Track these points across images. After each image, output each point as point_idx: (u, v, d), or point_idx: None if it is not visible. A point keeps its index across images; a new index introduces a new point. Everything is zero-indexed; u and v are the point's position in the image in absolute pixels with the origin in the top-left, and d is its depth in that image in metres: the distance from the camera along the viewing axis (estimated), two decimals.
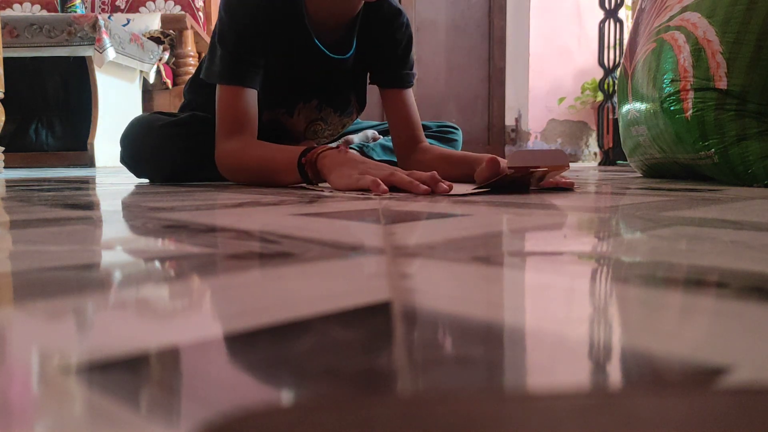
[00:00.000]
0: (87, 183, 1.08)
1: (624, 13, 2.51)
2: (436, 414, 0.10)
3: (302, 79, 1.01)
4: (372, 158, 1.06)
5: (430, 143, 1.08)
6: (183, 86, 2.53)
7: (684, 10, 0.97)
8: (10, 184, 1.04)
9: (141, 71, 2.44)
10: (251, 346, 0.16)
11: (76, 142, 2.36)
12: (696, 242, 0.33)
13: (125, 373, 0.14)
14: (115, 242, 0.38)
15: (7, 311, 0.20)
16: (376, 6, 0.99)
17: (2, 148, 1.75)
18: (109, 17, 2.34)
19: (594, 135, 3.16)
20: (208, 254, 0.30)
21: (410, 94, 1.05)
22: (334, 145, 1.00)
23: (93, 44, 2.04)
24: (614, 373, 0.15)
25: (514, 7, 3.17)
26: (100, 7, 2.86)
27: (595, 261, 0.30)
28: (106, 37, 2.05)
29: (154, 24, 2.56)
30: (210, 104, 1.00)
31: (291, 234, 0.37)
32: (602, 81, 2.44)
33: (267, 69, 0.94)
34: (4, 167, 1.80)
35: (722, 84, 0.87)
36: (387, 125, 1.32)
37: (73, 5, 2.51)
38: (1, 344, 0.17)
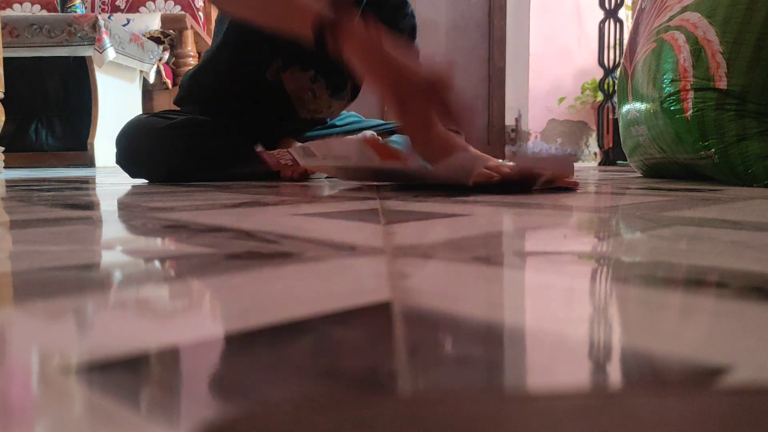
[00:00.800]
0: (87, 183, 1.08)
1: (624, 13, 2.51)
2: (436, 414, 0.10)
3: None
4: None
5: None
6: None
7: (684, 10, 0.97)
8: (10, 184, 1.04)
9: (141, 71, 2.44)
10: (251, 346, 0.16)
11: (76, 142, 2.36)
12: (696, 242, 0.33)
13: (125, 373, 0.14)
14: (115, 242, 0.38)
15: (7, 311, 0.20)
16: None
17: (2, 148, 1.75)
18: (109, 17, 2.34)
19: (594, 135, 3.16)
20: (208, 254, 0.30)
21: None
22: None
23: (93, 44, 2.04)
24: (614, 373, 0.15)
25: (514, 7, 3.17)
26: (100, 7, 2.86)
27: (595, 261, 0.30)
28: (106, 37, 2.05)
29: (154, 24, 2.56)
30: (210, 101, 1.01)
31: (291, 234, 0.37)
32: (602, 81, 2.43)
33: None
34: (4, 167, 1.80)
35: (722, 84, 0.87)
36: (387, 126, 1.32)
37: (73, 5, 2.51)
38: (1, 344, 0.17)
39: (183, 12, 2.73)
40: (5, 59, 1.70)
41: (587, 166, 2.37)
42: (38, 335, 0.18)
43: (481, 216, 0.47)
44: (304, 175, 1.06)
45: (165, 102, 2.59)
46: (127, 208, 0.59)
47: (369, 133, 1.26)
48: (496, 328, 0.18)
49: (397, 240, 0.35)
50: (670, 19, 1.00)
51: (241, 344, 0.17)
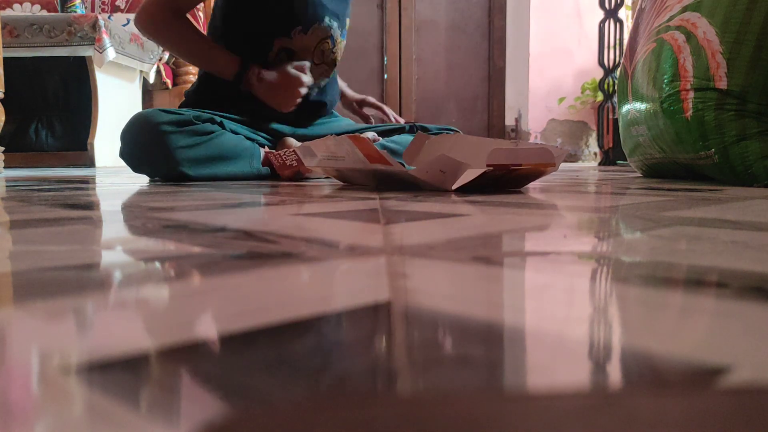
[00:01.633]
0: (87, 183, 1.08)
1: (624, 13, 2.51)
2: (436, 414, 0.10)
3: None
4: None
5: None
6: (183, 86, 2.53)
7: (684, 10, 0.97)
8: (10, 184, 1.04)
9: (141, 71, 2.44)
10: (251, 346, 0.16)
11: (76, 142, 2.36)
12: (696, 242, 0.33)
13: (125, 373, 0.14)
14: (115, 242, 0.38)
15: (7, 311, 0.20)
16: None
17: (2, 148, 1.75)
18: (109, 17, 2.34)
19: (594, 135, 3.17)
20: (208, 254, 0.30)
21: None
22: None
23: (93, 44, 2.04)
24: (614, 373, 0.15)
25: (514, 7, 3.17)
26: (100, 7, 2.86)
27: (595, 261, 0.30)
28: (106, 37, 2.05)
29: None
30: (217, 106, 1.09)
31: (291, 234, 0.37)
32: (602, 81, 2.43)
33: None
34: (4, 167, 1.80)
35: (722, 84, 0.87)
36: (387, 126, 1.33)
37: (73, 5, 2.51)
38: (1, 344, 0.17)
39: None
40: (5, 59, 1.70)
41: (587, 166, 2.37)
42: (38, 335, 0.18)
43: (481, 216, 0.47)
44: (299, 175, 1.07)
45: (165, 102, 2.59)
46: (127, 208, 0.59)
47: (371, 134, 1.26)
48: (496, 328, 0.18)
49: (397, 240, 0.35)
50: (670, 19, 1.00)
51: (241, 344, 0.17)
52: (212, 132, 1.05)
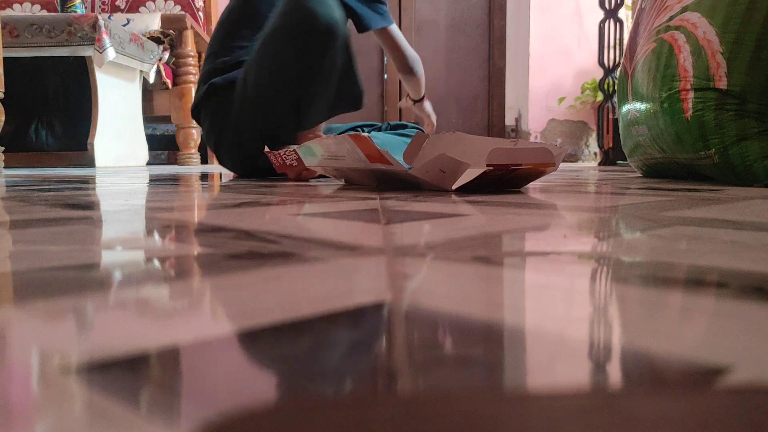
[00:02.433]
0: (87, 183, 1.08)
1: (624, 13, 2.51)
2: (436, 414, 0.10)
3: None
4: None
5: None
6: (183, 86, 2.53)
7: (684, 10, 0.97)
8: (10, 184, 1.04)
9: (141, 71, 2.44)
10: (251, 346, 0.16)
11: (76, 142, 2.36)
12: (696, 242, 0.33)
13: (125, 373, 0.14)
14: (115, 242, 0.38)
15: (7, 311, 0.20)
16: None
17: (2, 148, 1.75)
18: (109, 17, 2.34)
19: (594, 135, 3.17)
20: (208, 254, 0.30)
21: None
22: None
23: (93, 44, 2.04)
24: (614, 373, 0.15)
25: (514, 7, 3.17)
26: (100, 7, 2.86)
27: (595, 261, 0.30)
28: (106, 37, 2.05)
29: (154, 24, 2.56)
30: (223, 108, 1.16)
31: (291, 234, 0.37)
32: (602, 81, 2.44)
33: None
34: (4, 167, 1.80)
35: (722, 84, 0.87)
36: (386, 126, 1.35)
37: (73, 5, 2.51)
38: (1, 344, 0.17)
39: (183, 12, 2.73)
40: (5, 59, 1.70)
41: (587, 166, 2.37)
42: (38, 335, 0.18)
43: (481, 216, 0.47)
44: (299, 176, 1.08)
45: (165, 102, 2.59)
46: (127, 207, 0.59)
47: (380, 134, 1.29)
48: (496, 328, 0.18)
49: (397, 240, 0.35)
50: (670, 19, 1.00)
51: (241, 344, 0.17)
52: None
